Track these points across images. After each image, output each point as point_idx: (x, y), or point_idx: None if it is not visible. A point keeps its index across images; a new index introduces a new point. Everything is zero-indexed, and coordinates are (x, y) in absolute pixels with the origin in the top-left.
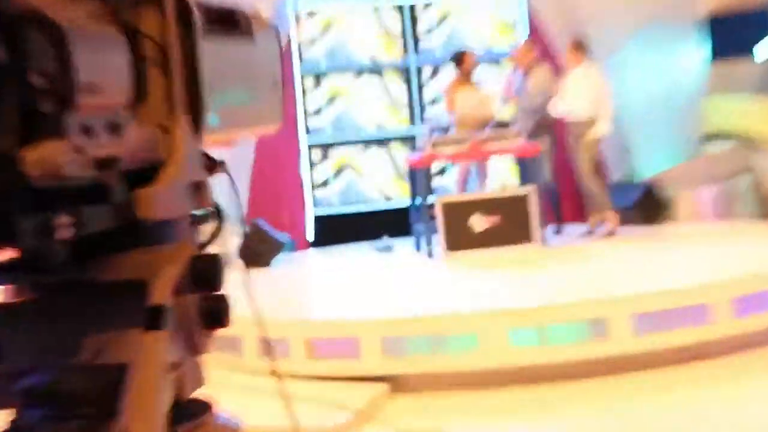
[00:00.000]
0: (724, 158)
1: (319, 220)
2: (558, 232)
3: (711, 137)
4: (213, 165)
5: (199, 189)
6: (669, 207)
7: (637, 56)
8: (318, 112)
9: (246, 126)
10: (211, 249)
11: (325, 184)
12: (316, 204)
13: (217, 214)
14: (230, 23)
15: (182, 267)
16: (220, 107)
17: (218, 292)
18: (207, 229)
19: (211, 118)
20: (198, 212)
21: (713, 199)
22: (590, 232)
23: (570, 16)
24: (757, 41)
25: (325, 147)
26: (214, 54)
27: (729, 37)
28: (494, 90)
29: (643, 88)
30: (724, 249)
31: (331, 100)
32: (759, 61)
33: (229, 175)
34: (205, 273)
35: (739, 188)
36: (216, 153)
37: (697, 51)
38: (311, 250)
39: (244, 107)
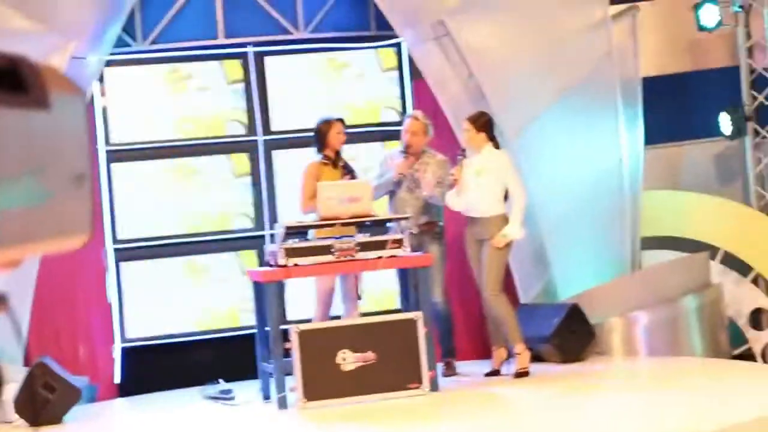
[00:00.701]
0: (668, 272)
1: (131, 357)
2: (449, 371)
3: (651, 245)
4: None
5: None
6: (596, 338)
7: (553, 138)
8: (131, 207)
9: (36, 238)
10: None
11: (139, 305)
12: (125, 335)
13: None
14: (12, 82)
15: None
16: None
17: None
18: None
19: None
20: None
21: (653, 328)
22: (494, 372)
23: (468, 85)
24: (707, 117)
25: (139, 254)
26: None
27: (670, 114)
28: (370, 178)
29: (562, 179)
30: (668, 398)
31: (146, 190)
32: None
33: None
34: None
35: (687, 313)
36: None
37: (631, 132)
38: (119, 400)
39: (32, 210)
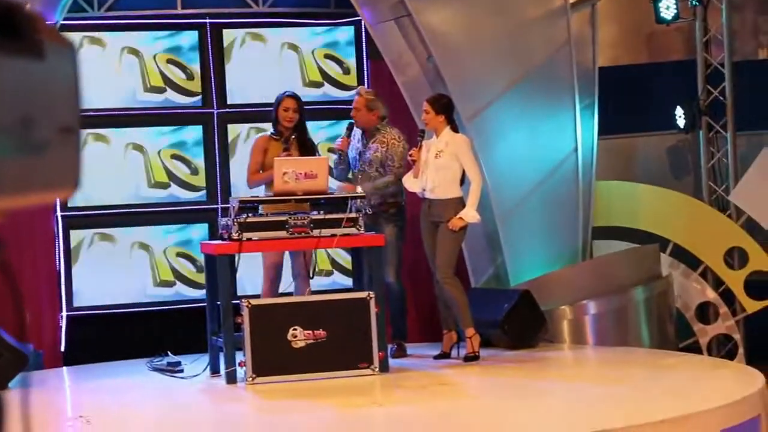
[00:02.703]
0: (619, 263)
1: (77, 326)
2: (399, 353)
3: (602, 234)
4: None
5: None
6: (546, 324)
7: (508, 124)
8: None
9: (26, 189)
10: None
11: (86, 274)
12: (72, 302)
13: None
14: (7, 29)
15: None
16: None
17: None
18: None
19: None
20: None
21: (602, 317)
22: (444, 355)
23: (426, 67)
24: (661, 110)
25: (88, 223)
26: None
27: (626, 106)
28: (326, 155)
29: (516, 165)
30: (614, 388)
31: (98, 159)
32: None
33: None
34: None
35: (636, 304)
36: None
37: (586, 121)
38: (64, 368)
39: (22, 160)
